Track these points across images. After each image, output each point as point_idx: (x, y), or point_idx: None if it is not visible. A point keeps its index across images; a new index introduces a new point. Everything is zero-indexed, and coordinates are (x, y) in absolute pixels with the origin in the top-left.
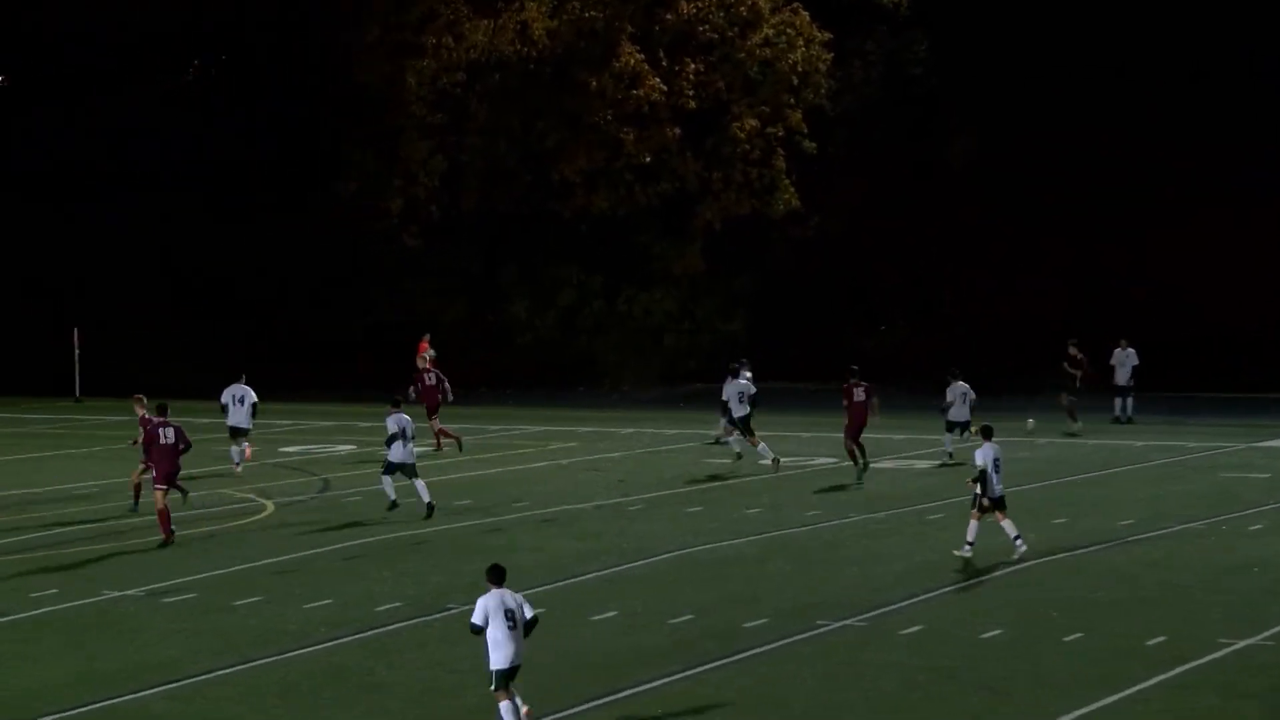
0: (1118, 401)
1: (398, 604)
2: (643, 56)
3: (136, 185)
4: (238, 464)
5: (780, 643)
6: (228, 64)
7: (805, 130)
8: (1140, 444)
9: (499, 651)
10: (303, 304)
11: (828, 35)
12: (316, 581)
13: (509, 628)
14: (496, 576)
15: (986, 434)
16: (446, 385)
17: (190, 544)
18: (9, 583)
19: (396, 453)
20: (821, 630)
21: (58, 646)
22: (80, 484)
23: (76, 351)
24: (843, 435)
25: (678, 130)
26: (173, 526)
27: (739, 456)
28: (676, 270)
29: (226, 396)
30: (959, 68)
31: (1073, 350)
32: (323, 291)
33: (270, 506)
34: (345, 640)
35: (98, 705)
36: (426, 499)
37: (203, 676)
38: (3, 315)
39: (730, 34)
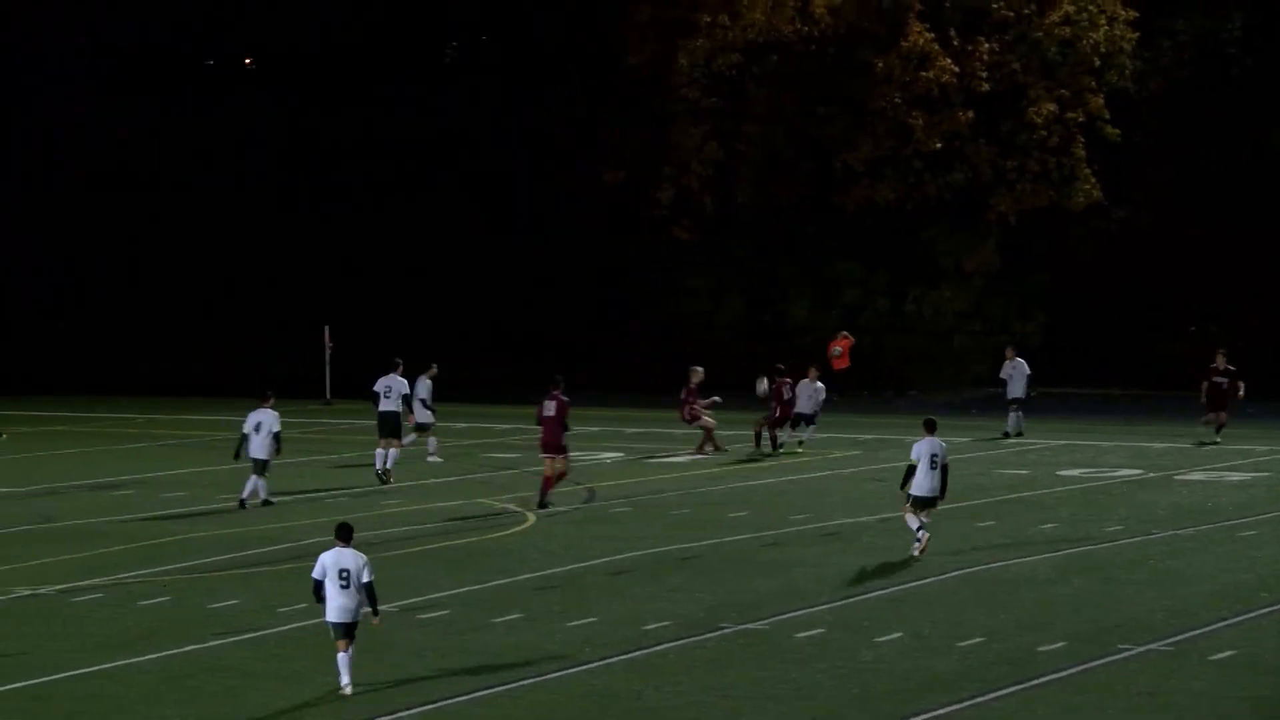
0: None
1: (666, 623)
2: (932, 35)
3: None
4: (245, 497)
5: (1078, 668)
6: (487, 45)
7: (1107, 115)
8: None
9: (328, 605)
10: (561, 301)
11: (1133, 13)
12: (580, 598)
13: (340, 586)
14: (343, 535)
15: (929, 427)
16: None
17: (445, 557)
18: (256, 597)
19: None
20: (1123, 655)
21: (308, 665)
22: (328, 491)
23: (328, 351)
24: None
25: (970, 114)
26: (549, 499)
27: None
28: (968, 267)
29: (249, 425)
30: (1277, 46)
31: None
32: (584, 288)
33: (531, 518)
34: (610, 661)
35: None
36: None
37: (457, 699)
38: (247, 314)
39: (1027, 11)
